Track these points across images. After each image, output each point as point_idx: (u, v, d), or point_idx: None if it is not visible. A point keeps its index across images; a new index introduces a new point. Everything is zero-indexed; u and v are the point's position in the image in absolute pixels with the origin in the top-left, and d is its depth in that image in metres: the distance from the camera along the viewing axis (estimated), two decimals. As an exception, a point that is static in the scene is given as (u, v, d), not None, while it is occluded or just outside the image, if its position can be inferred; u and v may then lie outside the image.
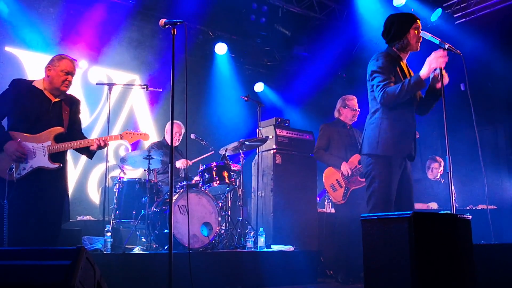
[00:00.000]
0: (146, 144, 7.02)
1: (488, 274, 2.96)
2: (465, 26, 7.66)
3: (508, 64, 7.00)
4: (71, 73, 3.93)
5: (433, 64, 3.41)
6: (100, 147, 3.99)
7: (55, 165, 3.79)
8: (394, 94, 3.48)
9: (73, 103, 4.09)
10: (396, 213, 2.46)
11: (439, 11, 7.51)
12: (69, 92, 4.06)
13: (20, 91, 3.83)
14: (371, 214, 2.67)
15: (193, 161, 6.41)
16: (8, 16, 6.83)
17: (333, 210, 6.67)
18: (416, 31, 3.64)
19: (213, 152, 6.52)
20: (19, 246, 3.49)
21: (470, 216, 2.62)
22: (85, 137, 4.06)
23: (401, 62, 3.72)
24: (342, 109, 5.75)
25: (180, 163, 6.27)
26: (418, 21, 3.69)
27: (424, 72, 3.44)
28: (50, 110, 3.88)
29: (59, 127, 3.88)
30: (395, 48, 3.72)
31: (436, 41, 3.46)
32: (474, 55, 6.58)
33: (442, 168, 6.58)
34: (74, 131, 4.04)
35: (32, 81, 3.96)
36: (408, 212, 2.42)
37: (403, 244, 2.37)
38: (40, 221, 3.70)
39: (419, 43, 3.67)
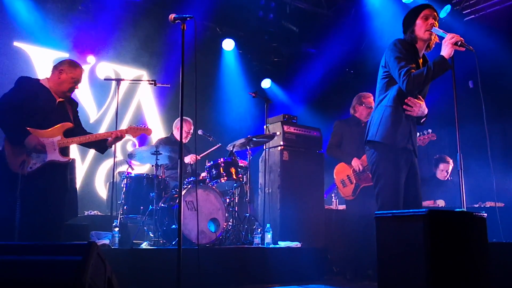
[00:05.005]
0: (154, 139, 7.04)
1: (504, 273, 2.94)
2: (474, 22, 7.60)
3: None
4: (79, 82, 4.11)
5: (452, 40, 3.34)
6: (117, 138, 4.21)
7: (66, 159, 3.96)
8: (421, 77, 3.40)
9: (73, 103, 4.26)
10: (411, 210, 2.44)
11: (448, 7, 7.45)
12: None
13: (30, 89, 3.93)
14: (385, 212, 2.63)
15: (201, 155, 6.40)
16: (17, 11, 6.85)
17: (340, 207, 6.66)
18: (423, 20, 3.58)
19: (220, 145, 6.50)
20: (29, 238, 3.63)
21: (486, 214, 2.59)
22: (91, 133, 4.23)
23: (417, 53, 3.66)
24: (357, 106, 5.67)
25: (188, 159, 6.27)
26: (427, 9, 3.61)
27: (446, 51, 3.37)
28: (56, 109, 4.01)
29: (68, 123, 4.02)
30: (408, 38, 3.67)
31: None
32: (483, 52, 6.51)
33: (451, 167, 6.55)
34: (78, 128, 4.19)
35: (38, 80, 4.07)
36: (424, 210, 2.39)
37: (418, 242, 2.35)
38: (48, 214, 3.81)
39: (429, 33, 3.56)
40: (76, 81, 4.07)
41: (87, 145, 4.26)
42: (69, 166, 4.10)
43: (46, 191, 3.83)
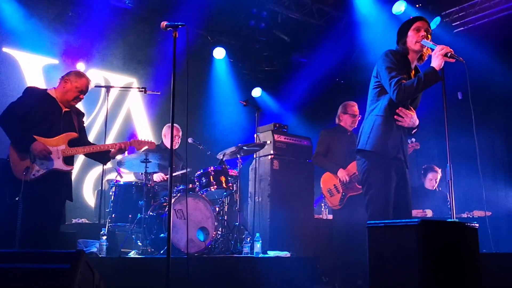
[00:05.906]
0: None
1: (495, 283, 2.95)
2: (463, 34, 7.70)
3: (506, 72, 7.02)
4: (84, 92, 4.20)
5: (442, 51, 3.36)
6: (121, 150, 4.27)
7: (69, 168, 4.06)
8: (412, 87, 3.41)
9: (79, 114, 4.37)
10: (403, 220, 2.44)
11: (437, 19, 7.54)
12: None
13: (37, 98, 4.04)
14: (377, 221, 2.63)
15: (175, 173, 6.11)
16: (6, 16, 6.80)
17: (330, 217, 6.66)
18: (415, 32, 3.59)
19: (186, 170, 6.17)
20: (29, 244, 3.69)
21: (477, 225, 2.60)
22: (95, 144, 4.32)
23: (409, 64, 3.68)
24: (342, 115, 5.73)
25: (156, 177, 6.07)
26: (420, 22, 3.63)
27: (436, 63, 3.38)
28: (61, 118, 4.11)
29: (73, 133, 4.12)
30: (400, 49, 3.70)
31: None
32: (472, 63, 6.57)
33: (439, 177, 6.58)
34: (83, 138, 4.28)
35: (45, 90, 4.19)
36: (416, 220, 2.40)
37: (411, 252, 2.35)
38: (48, 221, 3.89)
39: (420, 44, 3.57)
40: (81, 91, 4.15)
41: (90, 155, 4.33)
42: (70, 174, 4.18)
43: (48, 198, 3.90)
